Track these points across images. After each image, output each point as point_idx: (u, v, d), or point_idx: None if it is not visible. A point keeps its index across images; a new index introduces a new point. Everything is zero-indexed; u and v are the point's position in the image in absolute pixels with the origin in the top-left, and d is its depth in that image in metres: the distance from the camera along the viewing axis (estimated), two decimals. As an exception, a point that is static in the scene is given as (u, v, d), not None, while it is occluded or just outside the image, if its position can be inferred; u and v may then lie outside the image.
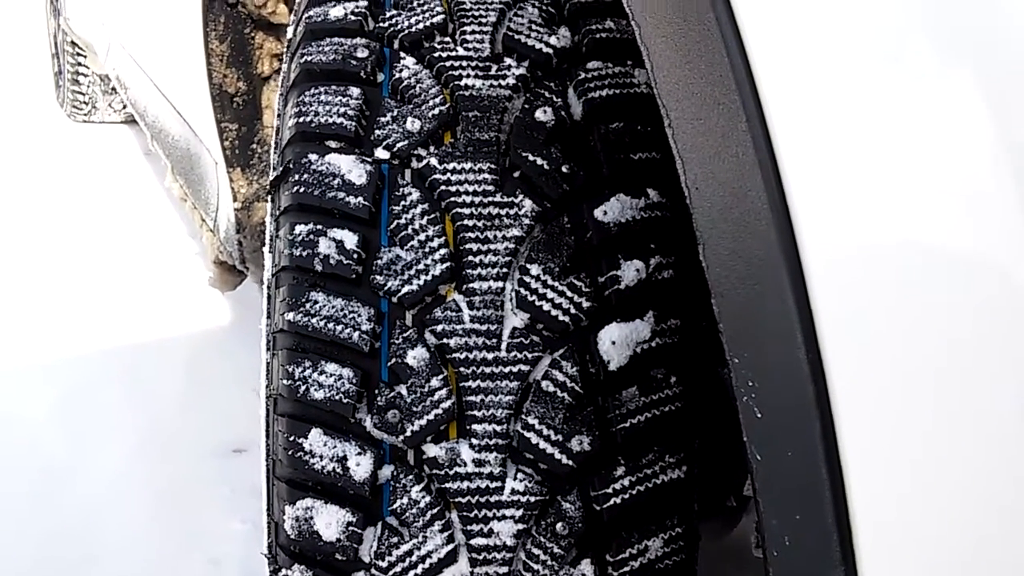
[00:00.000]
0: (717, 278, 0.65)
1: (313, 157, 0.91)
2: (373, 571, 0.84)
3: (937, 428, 0.58)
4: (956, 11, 0.57)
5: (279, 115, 1.02)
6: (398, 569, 0.83)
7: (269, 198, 0.99)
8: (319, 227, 0.89)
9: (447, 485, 0.84)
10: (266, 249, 0.98)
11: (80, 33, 3.19)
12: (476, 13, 0.98)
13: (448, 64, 0.94)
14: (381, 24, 0.98)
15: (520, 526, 0.84)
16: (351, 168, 0.90)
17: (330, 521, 0.84)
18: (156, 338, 2.32)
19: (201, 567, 1.63)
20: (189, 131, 1.99)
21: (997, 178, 0.55)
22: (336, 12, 1.00)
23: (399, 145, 0.90)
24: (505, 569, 0.84)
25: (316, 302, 0.87)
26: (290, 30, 1.09)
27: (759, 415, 0.63)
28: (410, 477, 0.84)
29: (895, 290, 0.59)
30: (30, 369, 2.20)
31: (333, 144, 0.92)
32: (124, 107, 3.60)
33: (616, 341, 0.86)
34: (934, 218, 0.57)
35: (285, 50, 1.09)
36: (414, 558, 0.83)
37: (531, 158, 0.89)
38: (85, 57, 3.43)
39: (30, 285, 2.56)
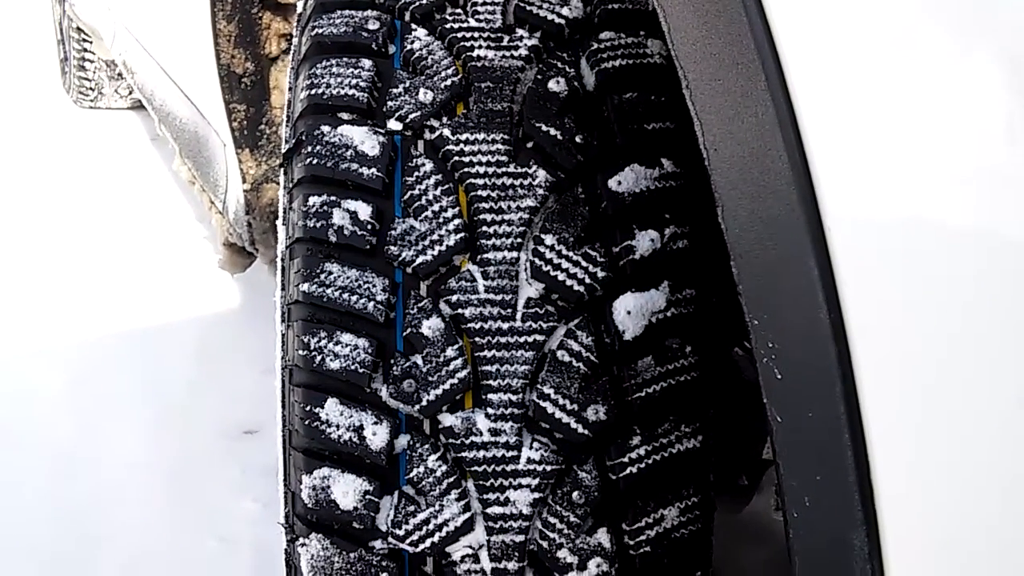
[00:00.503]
0: (736, 240, 0.65)
1: (326, 129, 0.91)
2: (390, 539, 0.84)
3: (959, 388, 0.58)
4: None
5: (291, 88, 1.02)
6: (415, 537, 0.83)
7: (282, 171, 0.98)
8: (333, 198, 0.89)
9: (463, 454, 0.84)
10: (279, 222, 0.98)
11: (86, 19, 3.19)
12: (487, -16, 0.97)
13: (460, 35, 0.93)
14: (392, -4, 0.97)
15: (536, 495, 0.84)
16: (364, 139, 0.90)
17: (347, 490, 0.84)
18: (166, 321, 2.33)
19: (213, 545, 1.64)
20: (197, 113, 1.99)
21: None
22: (347, -16, 0.99)
23: (412, 116, 0.90)
24: (521, 537, 0.84)
25: (331, 273, 0.87)
26: (300, 3, 1.09)
27: (779, 376, 0.63)
28: (426, 446, 0.84)
29: (917, 250, 0.59)
30: (42, 353, 2.21)
31: (346, 116, 0.92)
32: (130, 92, 3.60)
33: (631, 311, 0.86)
34: (955, 179, 0.57)
35: (295, 23, 1.08)
36: (431, 526, 0.83)
37: (544, 128, 0.89)
38: (91, 43, 3.42)
39: (40, 271, 2.57)
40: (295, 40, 1.06)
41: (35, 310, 2.39)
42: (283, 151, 0.96)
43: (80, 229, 2.78)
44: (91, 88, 3.69)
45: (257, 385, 2.00)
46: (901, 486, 0.60)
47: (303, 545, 0.85)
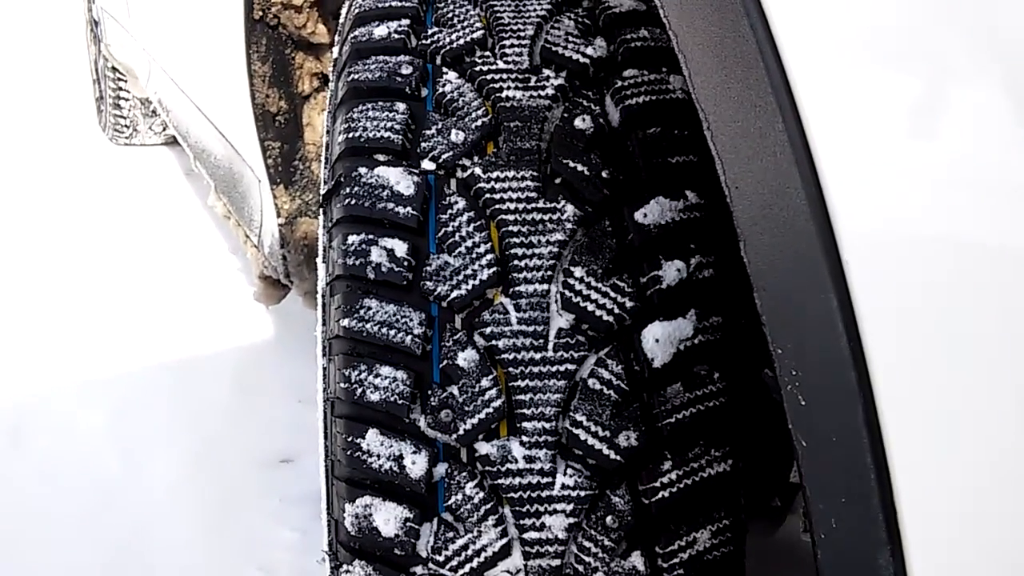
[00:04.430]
0: (758, 273, 0.68)
1: (363, 170, 0.95)
2: (431, 565, 0.87)
3: (980, 410, 0.60)
4: (988, 9, 0.59)
5: (328, 131, 1.07)
6: (455, 563, 0.86)
7: (321, 211, 1.03)
8: (371, 237, 0.93)
9: (499, 481, 0.87)
10: (319, 259, 1.02)
11: (121, 59, 3.29)
12: (514, 27, 1.01)
13: (489, 77, 0.98)
14: (423, 41, 1.02)
15: (571, 520, 0.86)
16: (399, 180, 0.94)
17: (388, 518, 0.87)
18: (203, 353, 2.37)
19: (253, 574, 1.67)
20: (232, 151, 2.04)
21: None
22: (380, 31, 1.04)
23: (444, 156, 0.94)
24: (558, 562, 0.86)
25: (370, 308, 0.91)
26: (335, 49, 1.14)
27: (803, 403, 0.66)
28: (464, 474, 0.87)
29: (930, 280, 0.61)
30: (83, 385, 2.26)
31: (381, 157, 0.96)
32: (164, 129, 3.69)
33: (659, 339, 0.89)
34: (967, 213, 0.59)
35: (331, 69, 1.13)
36: (470, 552, 0.86)
37: (572, 165, 0.92)
38: (126, 82, 3.52)
39: (79, 305, 2.63)
40: (331, 85, 1.11)
41: (75, 344, 2.45)
42: (322, 192, 1.01)
43: (117, 264, 2.83)
44: (126, 126, 3.79)
45: (293, 414, 2.04)
46: (924, 506, 0.62)
47: (347, 572, 0.89)
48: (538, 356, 0.88)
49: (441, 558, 0.86)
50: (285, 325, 2.45)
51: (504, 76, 0.98)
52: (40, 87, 4.30)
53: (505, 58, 0.99)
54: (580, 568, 0.86)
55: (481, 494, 0.87)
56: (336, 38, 1.15)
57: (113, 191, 3.39)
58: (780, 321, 0.67)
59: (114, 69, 3.62)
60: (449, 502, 0.87)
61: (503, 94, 0.96)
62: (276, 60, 1.75)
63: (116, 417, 2.15)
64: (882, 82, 0.63)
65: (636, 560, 0.86)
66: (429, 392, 0.88)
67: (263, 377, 2.26)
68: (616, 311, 0.89)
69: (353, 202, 0.95)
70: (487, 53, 1.00)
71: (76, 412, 2.17)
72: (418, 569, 0.87)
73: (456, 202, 0.92)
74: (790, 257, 0.66)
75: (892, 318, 0.63)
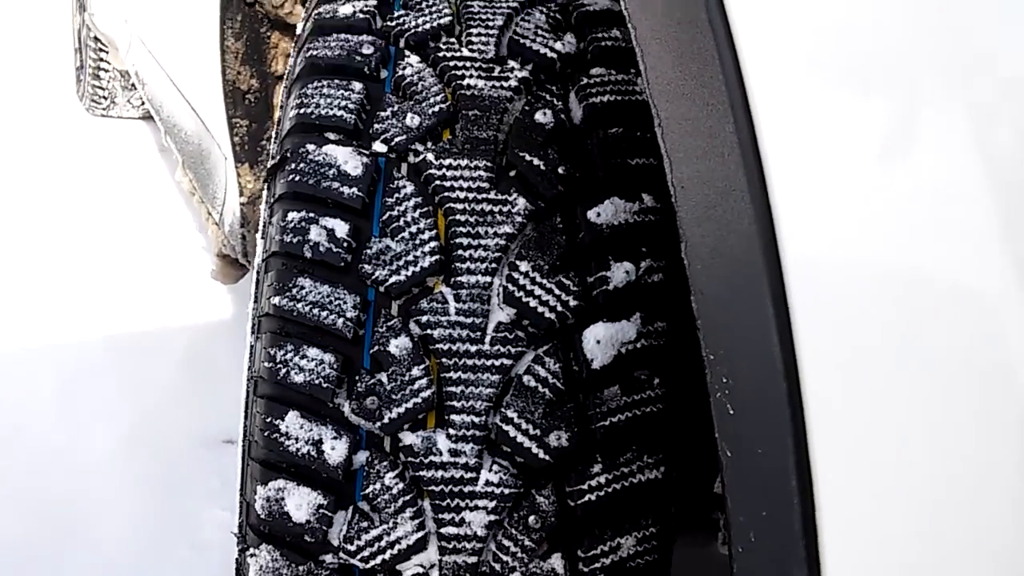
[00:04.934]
0: (697, 275, 0.66)
1: (311, 147, 0.93)
2: (341, 554, 0.84)
3: (908, 432, 0.58)
4: (944, 21, 0.57)
5: (282, 107, 1.04)
6: (366, 553, 0.83)
7: (265, 186, 1.00)
8: (311, 215, 0.90)
9: (421, 473, 0.84)
10: (258, 235, 0.99)
11: (103, 29, 3.24)
12: (483, 16, 0.99)
13: (452, 64, 0.95)
14: (388, 23, 1.00)
15: (492, 517, 0.84)
16: (347, 159, 0.91)
17: (301, 503, 0.84)
18: (156, 328, 2.34)
19: (184, 553, 1.64)
20: (202, 126, 2.01)
21: (975, 189, 0.56)
22: (345, 9, 1.02)
23: (397, 139, 0.92)
24: (474, 559, 0.84)
25: (303, 288, 0.88)
26: (299, 25, 1.11)
27: (731, 412, 0.64)
28: (385, 463, 0.84)
29: (871, 293, 0.59)
30: (29, 354, 2.22)
31: (332, 136, 0.94)
32: (142, 103, 3.64)
33: (601, 340, 0.87)
34: (911, 226, 0.58)
35: (293, 45, 1.11)
36: (383, 543, 0.83)
37: (528, 158, 0.90)
38: (107, 53, 3.47)
39: (35, 271, 2.58)
40: (291, 60, 1.08)
41: (27, 312, 2.40)
42: (267, 167, 0.98)
43: (79, 234, 2.79)
44: (104, 97, 3.74)
45: (241, 396, 2.00)
46: (845, 526, 0.60)
47: (252, 556, 0.85)
48: (474, 349, 0.86)
49: (352, 548, 0.83)
50: (241, 305, 2.42)
51: (468, 64, 0.96)
52: (16, 53, 4.24)
53: (471, 46, 0.97)
54: (497, 567, 0.84)
55: (401, 485, 0.84)
56: (303, 13, 1.13)
57: (83, 160, 3.34)
58: (715, 326, 0.65)
59: (96, 39, 3.57)
60: (367, 491, 0.84)
61: (464, 82, 0.94)
62: (250, 38, 1.72)
63: (61, 387, 2.11)
64: (839, 89, 0.61)
65: (556, 562, 0.84)
66: (356, 377, 0.85)
67: (214, 356, 2.22)
68: (559, 309, 0.87)
69: (297, 178, 0.92)
70: (453, 40, 0.98)
71: (20, 381, 2.13)
72: (328, 558, 0.84)
73: (404, 187, 0.90)
74: (729, 260, 0.64)
75: (828, 331, 0.61)
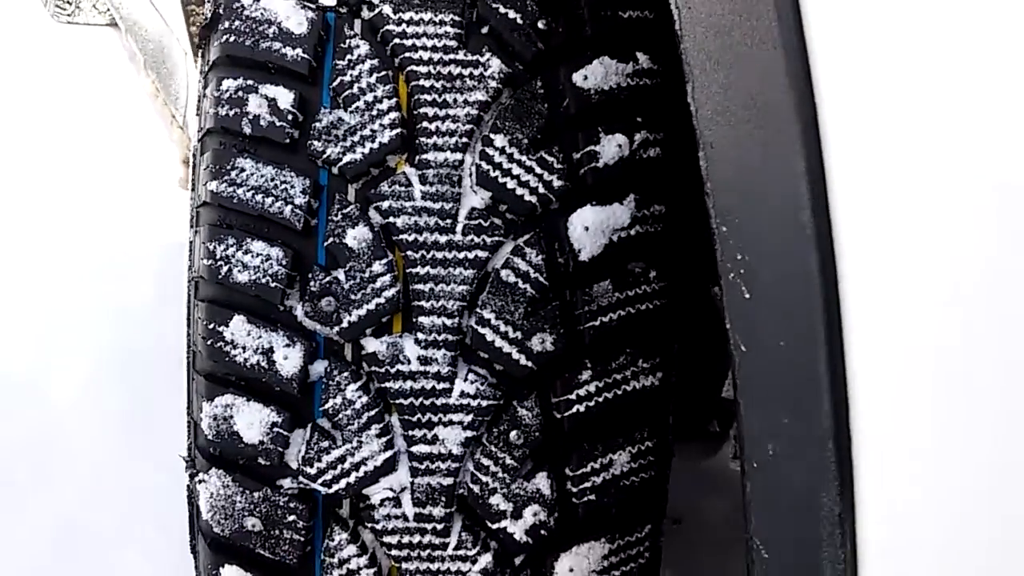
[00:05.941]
0: (707, 121, 0.53)
1: (246, 2, 0.78)
2: (301, 478, 0.74)
3: (970, 330, 0.47)
4: None
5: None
6: (329, 476, 0.73)
7: (198, 52, 0.86)
8: (250, 83, 0.77)
9: (388, 385, 0.73)
10: (193, 111, 0.86)
11: (61, -75, 3.02)
12: None
13: None
14: None
15: (469, 433, 0.74)
16: (290, 15, 0.77)
17: (252, 421, 0.74)
18: (127, 251, 2.25)
19: (151, 479, 1.58)
20: (161, 22, 1.90)
21: None
22: None
23: (349, -9, 0.77)
24: (450, 480, 0.74)
25: (243, 170, 0.76)
26: None
27: (747, 295, 0.51)
28: (346, 374, 0.73)
29: (924, 136, 0.47)
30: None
31: None
32: (107, 9, 3.44)
33: (589, 227, 0.75)
34: (953, 79, 0.46)
35: None
36: (347, 465, 0.73)
37: (502, 10, 0.77)
38: (68, -47, 3.25)
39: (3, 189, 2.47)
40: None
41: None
42: (199, 28, 0.84)
43: (47, 145, 2.70)
44: (68, 2, 3.54)
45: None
46: (886, 439, 0.48)
47: (202, 482, 0.75)
48: (444, 239, 0.74)
49: (313, 470, 0.73)
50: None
51: (430, -100, 0.80)
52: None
53: None
54: (475, 488, 0.74)
55: (365, 399, 0.73)
56: None
57: (51, 70, 3.17)
58: (729, 187, 0.52)
59: (56, -62, 3.35)
60: (326, 406, 0.74)
61: (426, -77, 0.79)
62: (203, -87, 1.55)
63: (31, 312, 2.02)
64: None
65: (541, 482, 0.74)
66: (310, 275, 0.74)
67: (185, 277, 2.12)
68: (541, 191, 0.75)
69: (232, 39, 0.78)
70: None
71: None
72: (285, 482, 0.74)
73: (358, 46, 0.76)
74: (748, 98, 0.50)
75: (875, 187, 0.48)
